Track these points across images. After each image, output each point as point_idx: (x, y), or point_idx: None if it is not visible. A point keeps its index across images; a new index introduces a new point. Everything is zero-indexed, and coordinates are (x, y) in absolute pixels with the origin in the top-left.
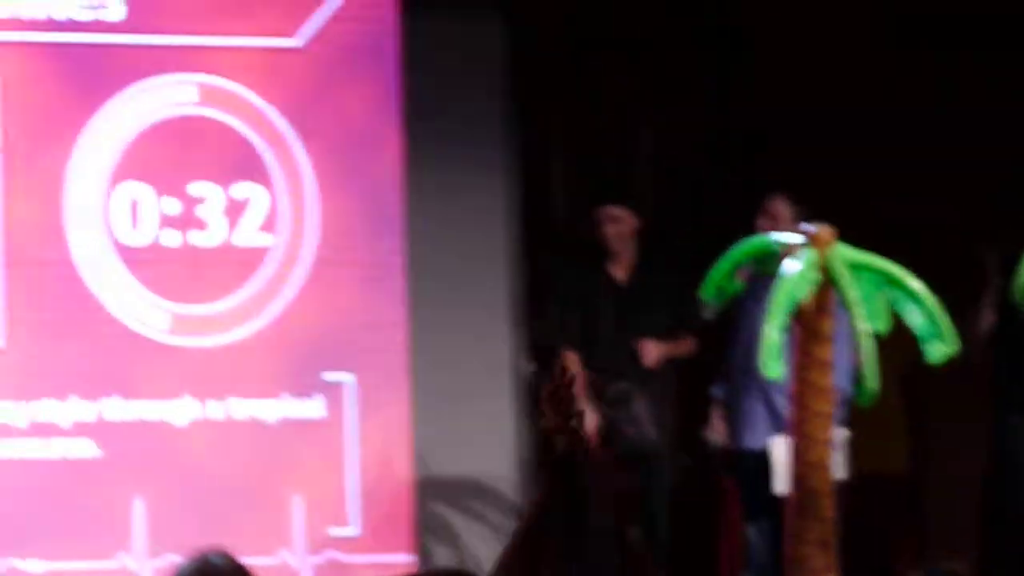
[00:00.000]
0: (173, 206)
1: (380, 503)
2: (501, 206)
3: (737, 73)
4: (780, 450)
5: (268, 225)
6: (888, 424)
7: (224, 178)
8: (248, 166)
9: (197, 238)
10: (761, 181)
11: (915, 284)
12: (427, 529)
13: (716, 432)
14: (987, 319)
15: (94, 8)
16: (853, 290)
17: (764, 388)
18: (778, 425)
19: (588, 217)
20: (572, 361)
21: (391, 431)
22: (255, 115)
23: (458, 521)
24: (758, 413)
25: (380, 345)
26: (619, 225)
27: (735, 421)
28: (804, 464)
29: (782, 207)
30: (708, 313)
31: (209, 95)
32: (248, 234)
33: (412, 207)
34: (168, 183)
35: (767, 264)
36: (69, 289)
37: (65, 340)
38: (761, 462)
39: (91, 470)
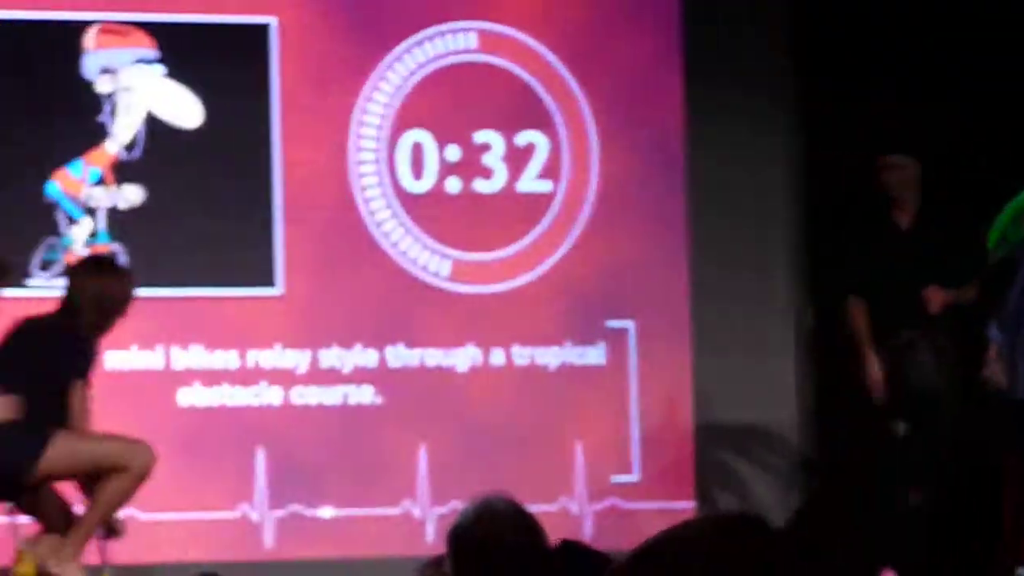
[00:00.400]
0: (455, 153)
1: (661, 450)
2: (782, 155)
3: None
4: None
5: (550, 172)
6: None
7: (506, 125)
8: (531, 113)
9: (480, 185)
10: None
11: None
12: (708, 476)
13: (993, 373)
14: None
15: None
16: None
17: None
18: None
19: (870, 165)
20: (858, 309)
21: (672, 377)
22: (536, 62)
23: (740, 468)
24: None
25: (661, 291)
26: (902, 172)
27: (1011, 370)
28: None
29: None
30: (992, 259)
31: (490, 42)
32: (530, 181)
33: (693, 155)
34: (450, 130)
35: None
36: (351, 236)
37: (347, 287)
38: None
39: (373, 417)
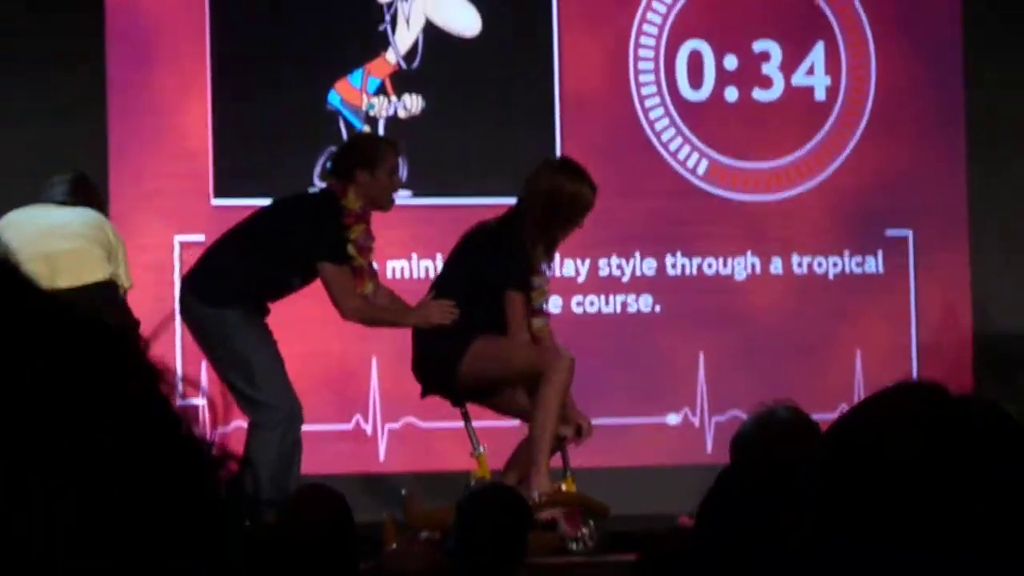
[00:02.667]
0: (733, 62)
1: (940, 357)
2: None
3: None
4: None
5: (829, 81)
6: None
7: (785, 34)
8: (808, 22)
9: (758, 94)
10: None
11: None
12: (986, 383)
13: None
14: None
15: None
16: None
17: None
18: None
19: None
20: None
21: (951, 285)
22: None
23: (1019, 375)
24: None
25: (939, 199)
26: None
27: None
28: None
29: None
30: None
31: None
32: (810, 89)
33: (972, 63)
34: (728, 39)
35: None
36: (632, 145)
37: (627, 195)
38: None
39: (652, 325)
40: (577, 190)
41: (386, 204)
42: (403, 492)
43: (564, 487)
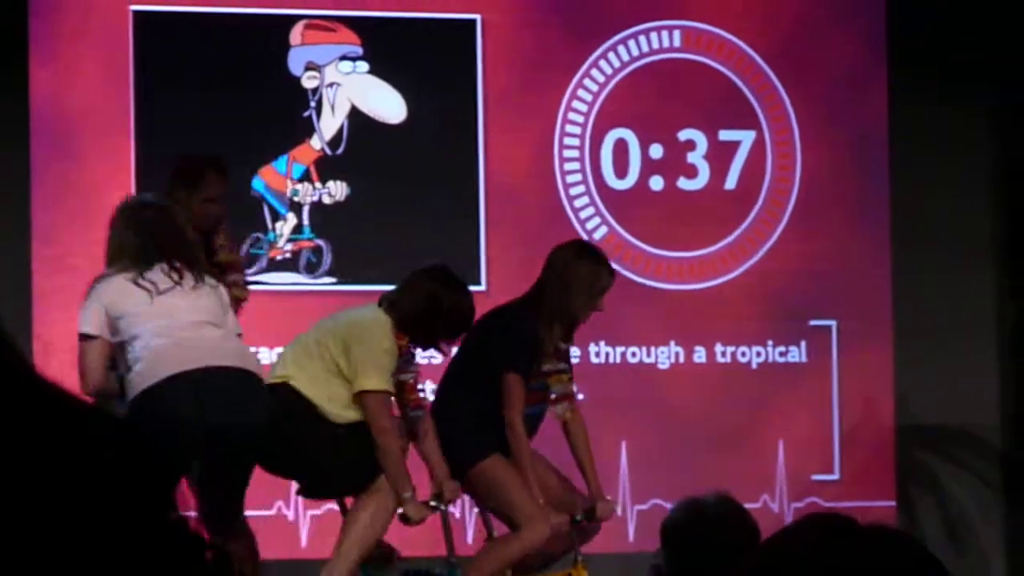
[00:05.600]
0: (659, 151)
1: (862, 449)
2: (988, 154)
3: None
4: None
5: (753, 171)
6: None
7: (710, 123)
8: (734, 111)
9: (684, 183)
10: None
11: None
12: (909, 476)
13: None
14: None
15: None
16: None
17: None
18: None
19: None
20: None
21: (874, 376)
22: (740, 60)
23: (941, 469)
24: None
25: (863, 290)
26: None
27: None
28: None
29: None
30: None
31: (693, 40)
32: (734, 179)
33: (898, 153)
34: (654, 128)
35: None
36: (555, 232)
37: None
38: None
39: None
40: (595, 270)
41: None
42: None
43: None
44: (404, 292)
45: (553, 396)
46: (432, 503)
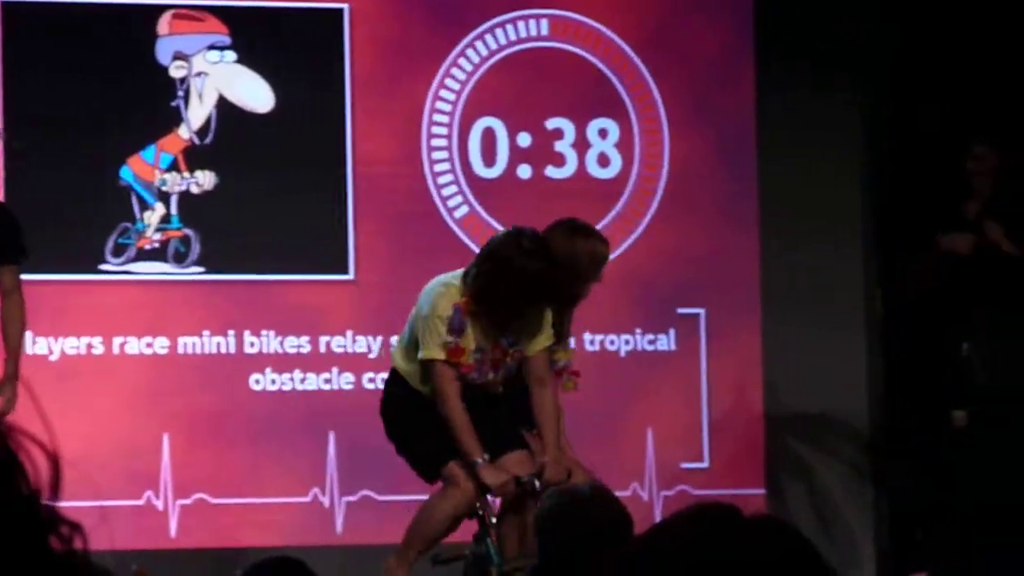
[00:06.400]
0: (527, 140)
1: (731, 436)
2: (858, 140)
3: None
4: None
5: (622, 159)
6: None
7: (578, 112)
8: (602, 100)
9: (551, 171)
10: None
11: None
12: (778, 462)
13: None
14: None
15: None
16: None
17: None
18: None
19: (949, 154)
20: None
21: (743, 364)
22: (608, 49)
23: (810, 455)
24: None
25: (732, 278)
26: (980, 163)
27: None
28: None
29: None
30: None
31: (561, 29)
32: (603, 168)
33: (765, 142)
34: (522, 117)
35: None
36: (423, 221)
37: (419, 272)
38: None
39: None
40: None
41: None
42: (133, 568)
43: None
44: (480, 256)
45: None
46: (524, 478)
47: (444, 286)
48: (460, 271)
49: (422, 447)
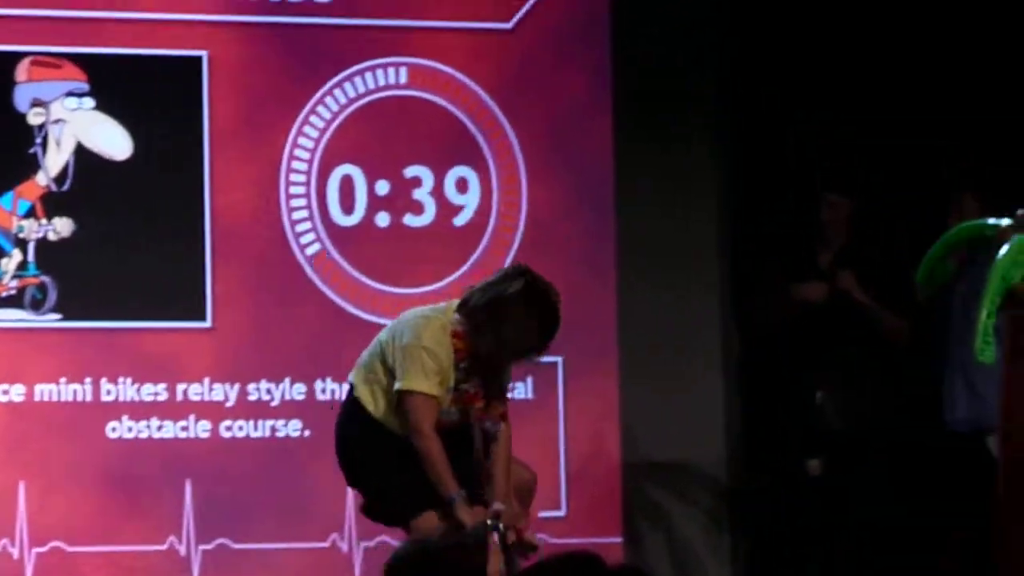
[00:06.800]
0: (385, 187)
1: (589, 485)
2: (714, 187)
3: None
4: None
5: (480, 207)
6: None
7: (436, 160)
8: (461, 148)
9: (410, 219)
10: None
11: None
12: (636, 511)
13: None
14: None
15: None
16: None
17: (966, 370)
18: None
19: (802, 201)
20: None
21: (600, 412)
22: (467, 97)
23: (667, 502)
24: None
25: (589, 325)
26: (833, 211)
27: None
28: (1013, 459)
29: (970, 203)
30: (921, 294)
31: (420, 77)
32: (461, 216)
33: (622, 188)
34: (380, 165)
35: (980, 248)
36: (281, 269)
37: (277, 320)
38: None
39: (301, 450)
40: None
41: None
42: None
43: None
44: (480, 289)
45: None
46: (489, 521)
47: (424, 318)
48: (438, 305)
49: (395, 493)
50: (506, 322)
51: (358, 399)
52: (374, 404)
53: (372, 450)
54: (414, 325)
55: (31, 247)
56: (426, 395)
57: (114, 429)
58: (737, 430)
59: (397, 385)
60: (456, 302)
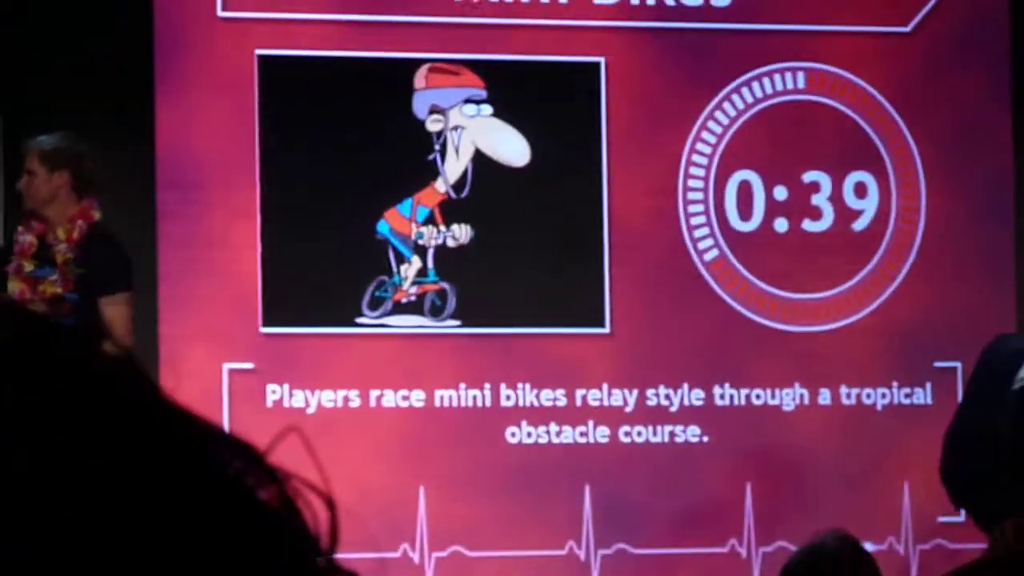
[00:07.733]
0: (783, 193)
1: None
2: None
3: None
4: None
5: (879, 212)
6: None
7: (835, 165)
8: (859, 153)
9: (808, 225)
10: None
11: None
12: None
13: None
14: None
15: None
16: None
17: None
18: None
19: None
20: None
21: None
22: (864, 102)
23: None
24: None
25: (988, 331)
26: None
27: None
28: None
29: None
30: None
31: (818, 82)
32: (860, 221)
33: (1022, 193)
34: (778, 170)
35: None
36: (679, 275)
37: (674, 325)
38: None
39: (700, 456)
40: None
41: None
42: None
43: None
44: None
45: None
46: None
47: None
48: None
49: None
50: None
51: None
52: None
53: None
54: None
55: (430, 254)
56: None
57: (513, 434)
58: None
59: None
60: None
